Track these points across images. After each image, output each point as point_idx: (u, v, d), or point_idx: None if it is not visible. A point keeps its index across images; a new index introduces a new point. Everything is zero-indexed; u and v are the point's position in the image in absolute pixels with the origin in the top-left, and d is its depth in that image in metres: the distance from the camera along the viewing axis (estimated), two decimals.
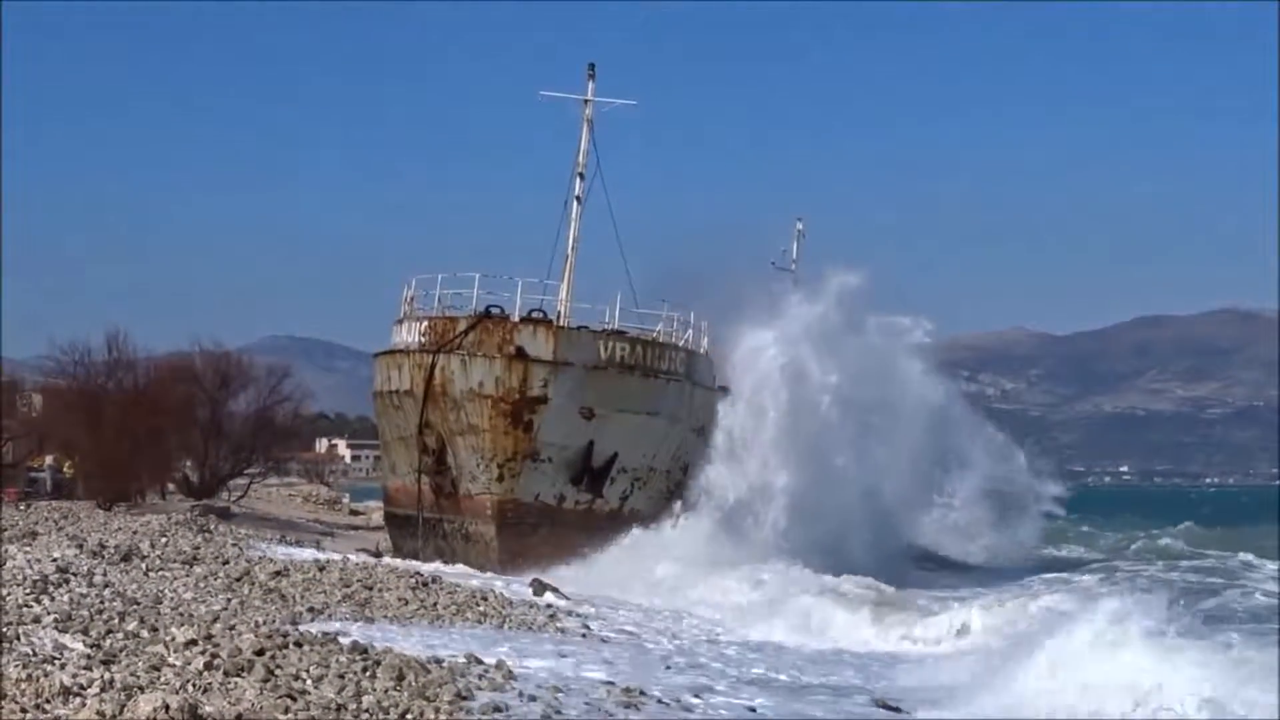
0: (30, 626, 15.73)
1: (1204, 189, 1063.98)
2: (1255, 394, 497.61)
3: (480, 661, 17.44)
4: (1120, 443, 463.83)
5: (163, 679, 13.96)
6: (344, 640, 17.42)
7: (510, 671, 17.01)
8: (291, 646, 16.35)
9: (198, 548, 29.32)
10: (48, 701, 12.42)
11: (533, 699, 15.55)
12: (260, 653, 15.56)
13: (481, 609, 24.95)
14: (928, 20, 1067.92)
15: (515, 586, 30.28)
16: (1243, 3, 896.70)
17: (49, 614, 16.81)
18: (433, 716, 14.03)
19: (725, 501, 38.20)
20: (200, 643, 15.72)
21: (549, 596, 28.65)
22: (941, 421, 53.71)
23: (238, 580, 24.26)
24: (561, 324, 36.71)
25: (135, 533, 31.68)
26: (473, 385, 35.59)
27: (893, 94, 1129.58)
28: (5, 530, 28.92)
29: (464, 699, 14.93)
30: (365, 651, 16.72)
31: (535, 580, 30.81)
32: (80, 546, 26.30)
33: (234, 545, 32.32)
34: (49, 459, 55.93)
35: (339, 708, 13.80)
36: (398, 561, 34.49)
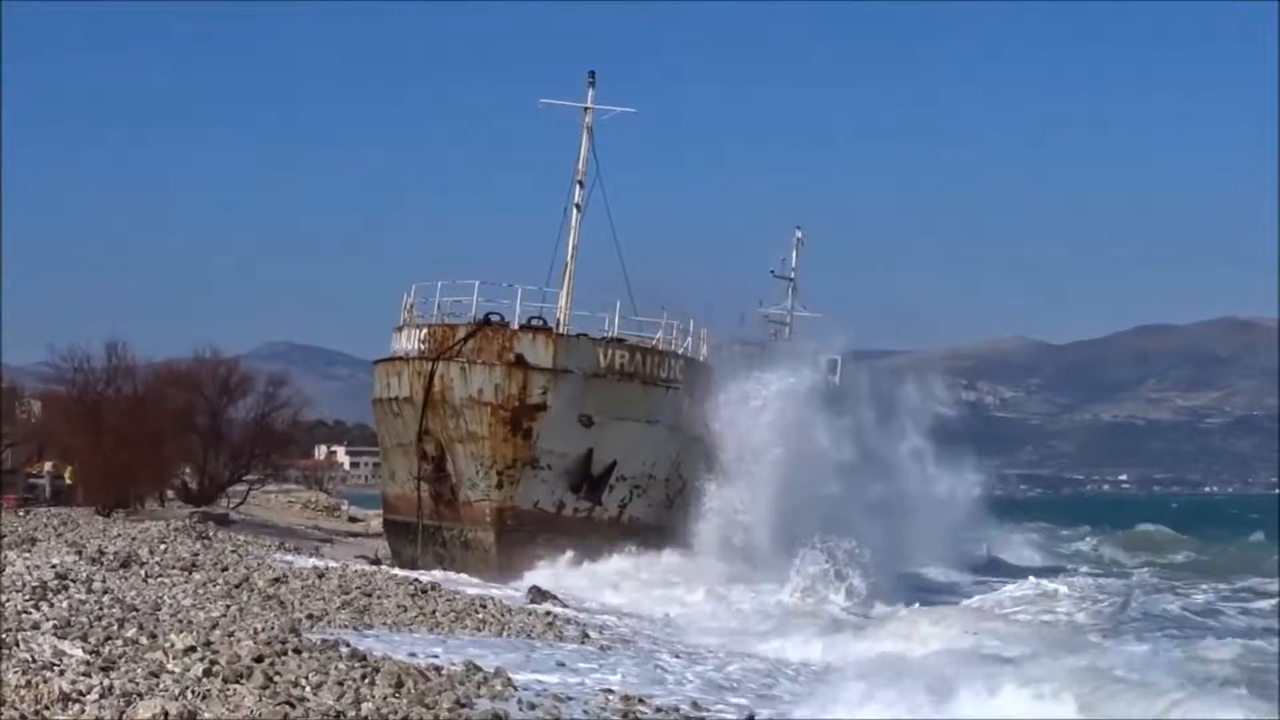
0: (29, 633, 15.71)
1: (1203, 197, 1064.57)
2: (1254, 403, 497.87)
3: (479, 669, 17.42)
4: (1120, 452, 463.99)
5: (161, 685, 13.95)
6: (343, 647, 17.41)
7: (509, 679, 16.98)
8: (290, 653, 16.33)
9: (197, 554, 29.30)
10: (47, 708, 12.42)
11: (532, 707, 15.53)
12: (259, 659, 15.55)
13: (480, 616, 24.93)
14: (927, 23, 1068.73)
15: (513, 593, 30.27)
16: (1242, 3, 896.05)
17: (48, 620, 16.80)
18: None
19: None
20: (199, 649, 15.71)
21: (548, 605, 28.62)
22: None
23: (237, 587, 24.25)
24: (561, 331, 36.74)
25: (134, 539, 31.68)
26: (472, 392, 35.62)
27: (892, 99, 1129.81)
28: (4, 536, 28.91)
29: (463, 706, 14.91)
30: (364, 658, 16.71)
31: (534, 588, 30.81)
32: (79, 553, 26.30)
33: (233, 552, 32.31)
34: (48, 465, 55.91)
35: (338, 715, 13.78)
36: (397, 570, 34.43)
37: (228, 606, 21.06)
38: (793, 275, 67.65)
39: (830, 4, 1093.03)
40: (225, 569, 27.13)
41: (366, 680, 15.49)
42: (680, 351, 38.86)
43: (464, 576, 34.74)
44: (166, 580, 24.23)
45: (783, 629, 27.73)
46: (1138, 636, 27.05)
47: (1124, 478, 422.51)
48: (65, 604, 18.64)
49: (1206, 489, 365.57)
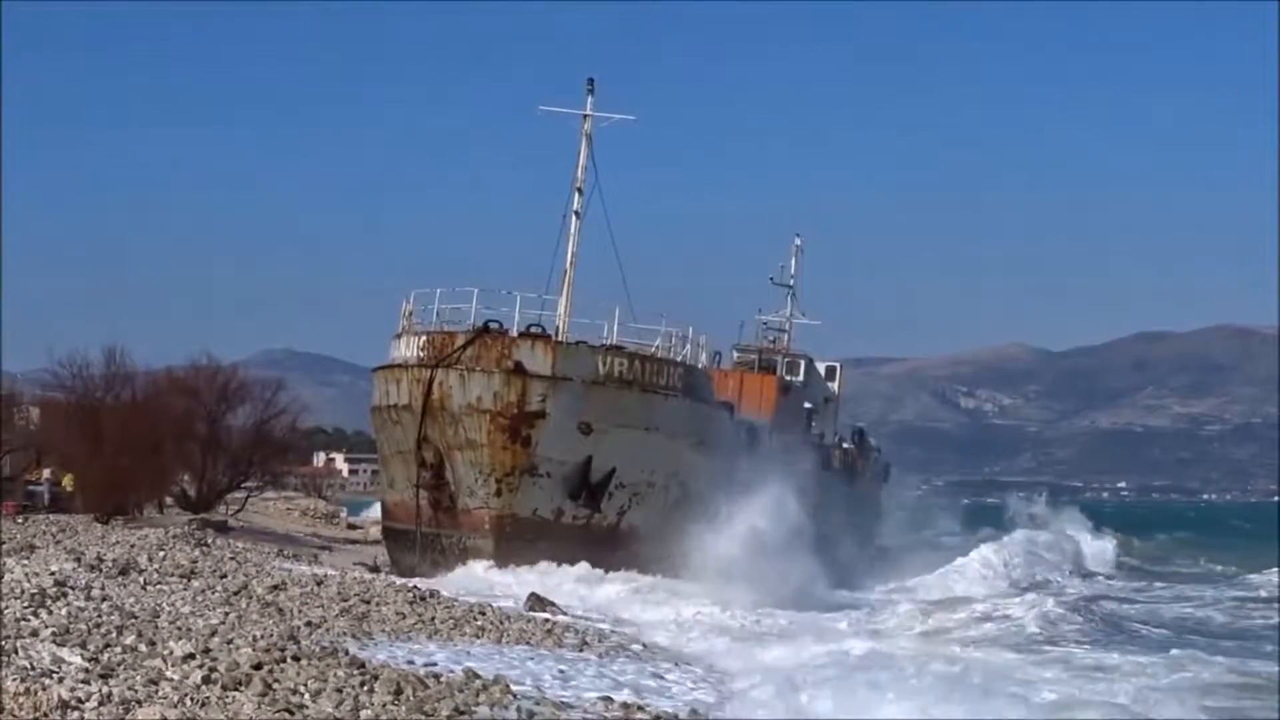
0: (28, 640, 15.71)
1: (1203, 203, 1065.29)
2: (1253, 410, 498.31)
3: (478, 676, 17.42)
4: (1118, 459, 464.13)
5: (160, 693, 13.96)
6: (342, 654, 17.41)
7: (508, 686, 16.98)
8: (289, 660, 16.34)
9: (195, 561, 29.27)
10: (46, 715, 12.44)
11: (531, 715, 15.54)
12: (258, 667, 15.56)
13: (479, 623, 24.92)
14: (926, 26, 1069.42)
15: (513, 596, 30.28)
16: (1241, 6, 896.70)
17: (47, 627, 16.80)
18: None
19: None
20: (198, 656, 15.71)
21: (546, 613, 28.60)
22: None
23: (235, 594, 24.23)
24: (560, 339, 36.74)
25: (133, 546, 31.64)
26: (471, 400, 35.63)
27: (890, 104, 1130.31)
28: (3, 543, 28.90)
29: (462, 714, 14.92)
30: (363, 666, 16.71)
31: (532, 595, 30.80)
32: (78, 560, 26.27)
33: (232, 559, 32.28)
34: (47, 472, 55.78)
35: None
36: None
37: (226, 614, 21.05)
38: (792, 282, 67.69)
39: (828, 6, 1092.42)
40: (224, 576, 27.12)
41: (365, 687, 15.50)
42: (679, 359, 38.82)
43: (463, 576, 34.91)
44: (165, 587, 24.22)
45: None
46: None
47: (1123, 485, 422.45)
48: (64, 611, 18.63)
49: (1205, 497, 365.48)
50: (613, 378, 36.51)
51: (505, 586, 33.09)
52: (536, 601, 29.91)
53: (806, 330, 68.74)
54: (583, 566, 35.93)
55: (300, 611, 23.17)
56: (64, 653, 15.12)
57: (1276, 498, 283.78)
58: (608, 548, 37.24)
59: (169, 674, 14.79)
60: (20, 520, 40.73)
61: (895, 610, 35.35)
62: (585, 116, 41.26)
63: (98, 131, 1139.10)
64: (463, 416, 35.75)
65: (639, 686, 19.25)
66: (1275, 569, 51.77)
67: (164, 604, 21.58)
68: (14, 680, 13.14)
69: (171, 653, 15.79)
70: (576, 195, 40.82)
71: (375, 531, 63.78)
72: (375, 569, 41.06)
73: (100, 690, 13.53)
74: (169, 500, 55.34)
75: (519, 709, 15.73)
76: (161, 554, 29.83)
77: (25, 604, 18.72)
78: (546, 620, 27.09)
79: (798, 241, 68.88)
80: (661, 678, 20.65)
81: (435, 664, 18.33)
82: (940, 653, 25.00)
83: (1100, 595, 45.54)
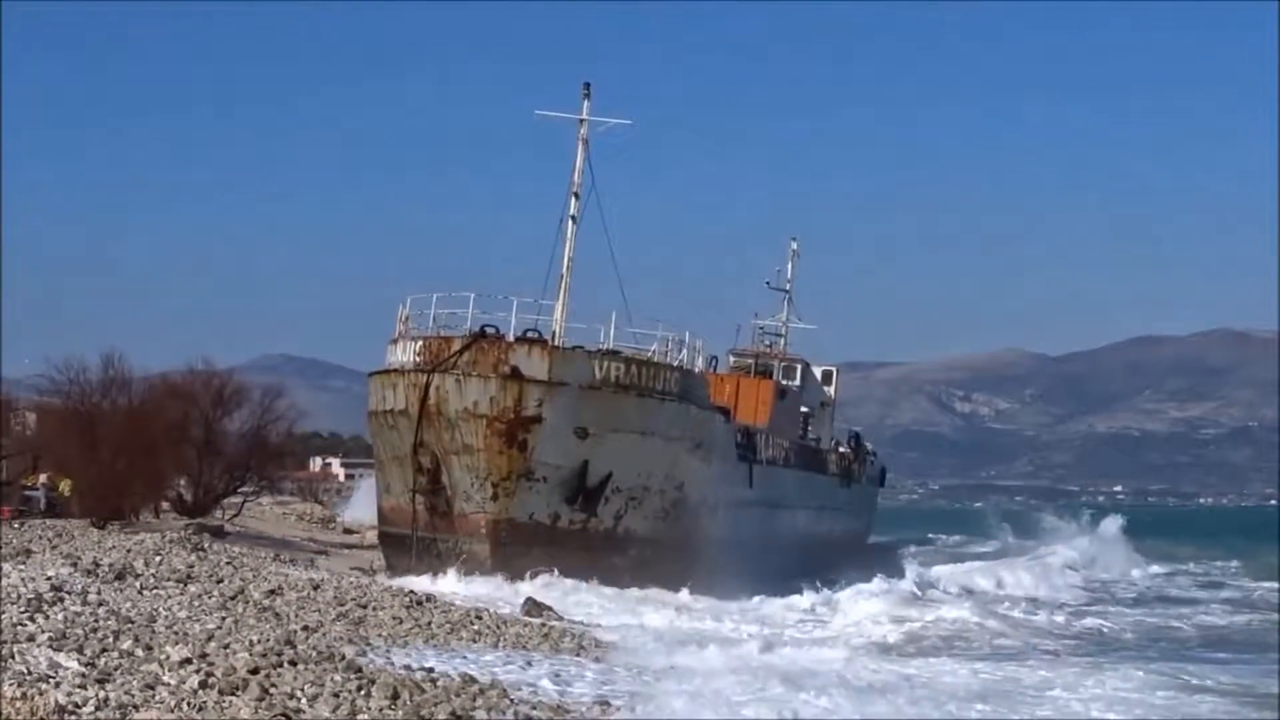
0: (25, 645, 15.72)
1: (1198, 208, 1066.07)
2: (1249, 414, 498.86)
3: (475, 680, 17.44)
4: (1115, 463, 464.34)
5: (157, 698, 13.97)
6: (338, 659, 17.43)
7: (505, 691, 17.01)
8: (286, 665, 16.35)
9: (192, 566, 29.27)
10: None
11: (528, 719, 15.56)
12: (255, 671, 15.57)
13: (476, 628, 24.94)
14: (922, 29, 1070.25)
15: (510, 597, 30.28)
16: (1240, 3, 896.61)
17: (44, 632, 16.80)
18: None
19: None
20: (195, 661, 15.72)
21: (543, 617, 28.62)
22: None
23: (232, 599, 24.24)
24: (556, 344, 36.74)
25: (129, 551, 31.62)
26: (467, 405, 35.64)
27: (889, 106, 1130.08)
28: (0, 549, 28.89)
29: (459, 718, 14.94)
30: (360, 670, 16.72)
31: (529, 600, 30.82)
32: (75, 565, 26.26)
33: (228, 563, 32.26)
34: (43, 477, 55.72)
35: None
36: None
37: (223, 618, 21.06)
38: (788, 287, 67.84)
39: (825, 10, 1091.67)
40: (220, 581, 27.13)
41: (362, 692, 15.51)
42: (676, 363, 38.83)
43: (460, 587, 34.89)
44: (162, 592, 24.22)
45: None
46: None
47: (1119, 489, 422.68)
48: (61, 616, 18.64)
49: (1201, 500, 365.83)
50: (609, 382, 36.53)
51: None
52: (533, 606, 29.93)
53: (803, 334, 69.02)
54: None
55: (297, 616, 23.18)
56: (61, 658, 15.13)
57: (1274, 501, 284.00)
58: (605, 552, 37.27)
59: (166, 679, 14.80)
60: (16, 525, 40.70)
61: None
62: (582, 121, 41.31)
63: (95, 136, 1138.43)
64: (459, 421, 35.77)
65: (636, 691, 19.25)
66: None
67: (161, 609, 21.59)
68: (11, 685, 13.15)
69: (168, 657, 15.80)
70: (573, 200, 40.88)
71: (371, 536, 63.97)
72: (371, 573, 41.15)
73: (97, 695, 13.54)
74: (165, 505, 55.26)
75: (516, 713, 15.75)
76: (158, 559, 29.83)
77: (22, 609, 18.72)
78: (543, 625, 27.12)
79: (794, 246, 69.13)
80: (660, 683, 20.61)
81: (432, 668, 18.33)
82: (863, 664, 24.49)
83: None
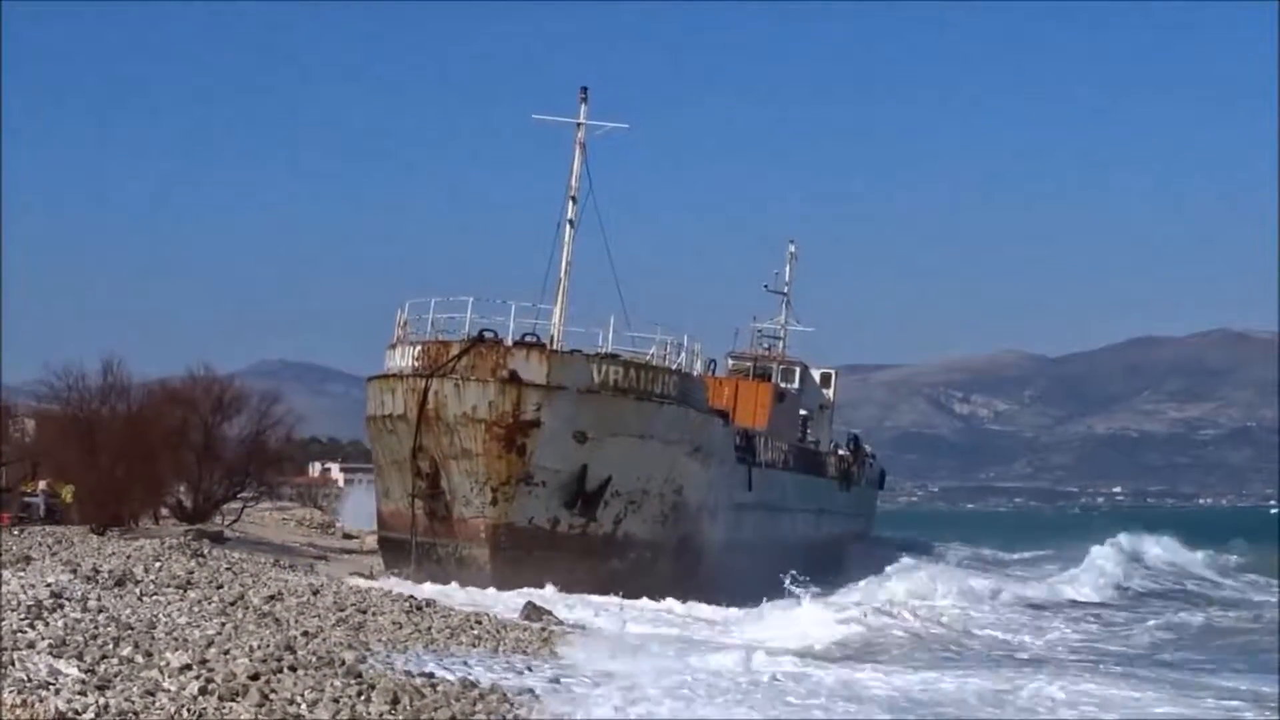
0: (25, 652, 15.73)
1: (1196, 209, 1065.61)
2: (1248, 415, 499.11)
3: (475, 685, 17.45)
4: (1114, 464, 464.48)
5: (157, 704, 13.99)
6: (338, 664, 17.43)
7: (506, 695, 17.02)
8: (286, 671, 16.36)
9: (191, 572, 29.24)
10: None
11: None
12: (255, 677, 15.58)
13: (476, 632, 24.94)
14: (921, 33, 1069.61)
15: (509, 604, 30.26)
16: (1239, 4, 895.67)
17: (43, 639, 16.80)
18: None
19: None
20: (195, 667, 15.73)
21: (543, 620, 28.61)
22: None
23: (232, 605, 24.22)
24: (554, 348, 36.75)
25: (129, 557, 31.58)
26: (466, 409, 35.64)
27: (888, 109, 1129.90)
28: None
29: None
30: (360, 675, 16.73)
31: (529, 604, 30.82)
32: (74, 571, 26.25)
33: (228, 569, 32.25)
34: (42, 484, 55.73)
35: None
36: (392, 583, 34.46)
37: (223, 624, 21.05)
38: (786, 289, 67.89)
39: (824, 13, 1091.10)
40: (220, 586, 27.12)
41: (362, 697, 15.52)
42: (674, 367, 38.84)
43: (461, 592, 34.95)
44: (161, 598, 24.22)
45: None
46: None
47: (1118, 490, 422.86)
48: (61, 623, 18.64)
49: (1200, 501, 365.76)
50: (608, 386, 36.53)
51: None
52: (533, 610, 29.93)
53: (801, 337, 69.11)
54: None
55: (297, 621, 23.17)
56: (61, 664, 15.14)
57: (1273, 502, 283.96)
58: (604, 556, 37.30)
59: (166, 685, 14.81)
60: (16, 532, 40.70)
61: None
62: (579, 125, 41.34)
63: (93, 141, 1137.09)
64: (458, 426, 35.77)
65: (638, 697, 19.24)
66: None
67: (160, 615, 21.58)
68: (11, 692, 13.16)
69: (168, 664, 15.81)
70: (571, 204, 40.92)
71: (371, 541, 63.96)
72: (371, 578, 41.15)
73: (97, 702, 13.56)
74: (165, 511, 55.27)
75: (516, 718, 15.76)
76: (158, 565, 29.78)
77: (22, 616, 18.71)
78: (544, 629, 27.11)
79: (792, 249, 69.17)
80: (662, 689, 20.60)
81: (432, 673, 18.34)
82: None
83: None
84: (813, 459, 59.82)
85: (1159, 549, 70.90)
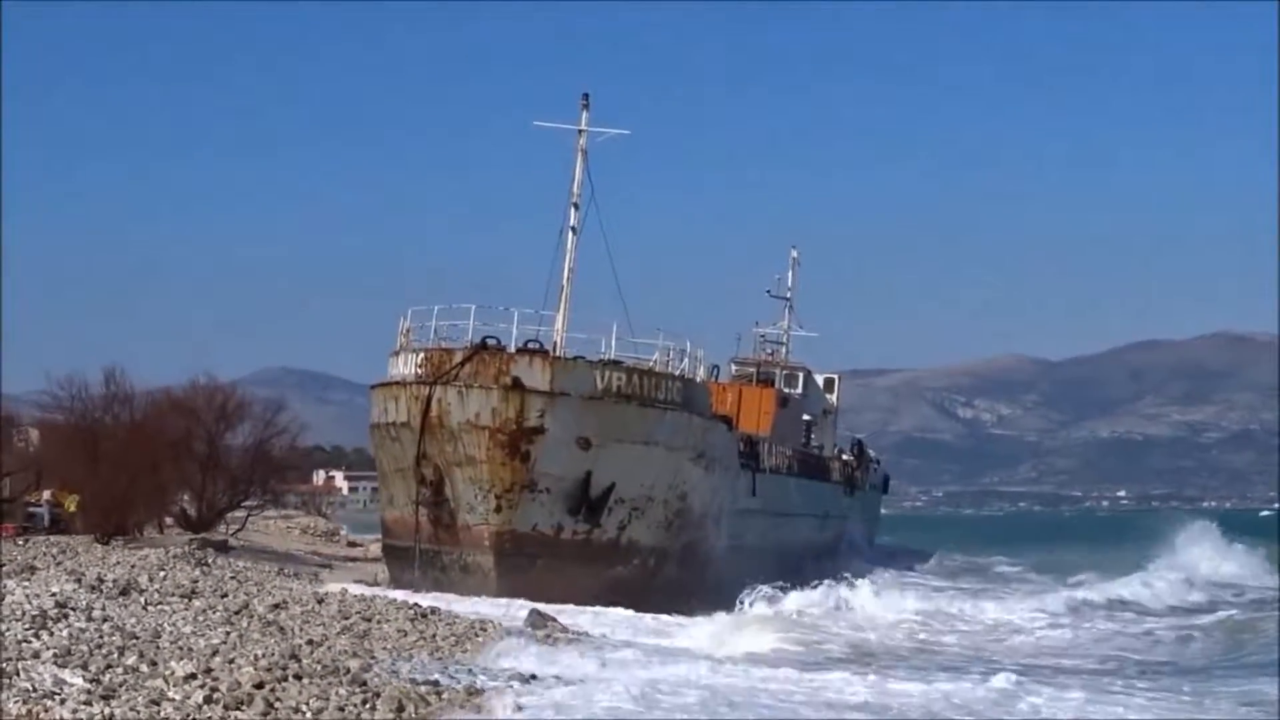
0: (30, 662, 15.72)
1: (1197, 211, 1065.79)
2: (1251, 417, 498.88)
3: (480, 692, 17.42)
4: (1117, 468, 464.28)
5: (162, 713, 13.98)
6: (343, 672, 17.41)
7: (513, 703, 16.98)
8: (291, 679, 16.34)
9: (196, 581, 29.26)
10: None
11: None
12: (260, 686, 15.57)
13: (480, 640, 24.91)
14: (924, 40, 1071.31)
15: (515, 615, 30.20)
16: (1239, 5, 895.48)
17: (48, 649, 16.80)
18: None
19: None
20: (200, 676, 15.72)
21: (548, 628, 28.56)
22: None
23: (236, 614, 24.22)
24: (557, 354, 36.72)
25: (133, 567, 31.63)
26: (469, 417, 35.60)
27: (888, 114, 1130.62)
28: (4, 565, 28.90)
29: None
30: (365, 684, 16.71)
31: (534, 611, 30.78)
32: (79, 581, 26.25)
33: (232, 578, 32.28)
34: (47, 494, 55.73)
35: None
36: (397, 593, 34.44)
37: (228, 633, 21.05)
38: (789, 295, 67.89)
39: (825, 19, 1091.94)
40: (225, 595, 27.12)
41: (368, 705, 15.50)
42: (677, 373, 38.82)
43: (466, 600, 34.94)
44: (166, 607, 24.21)
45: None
46: None
47: (1122, 494, 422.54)
48: (65, 632, 18.63)
49: (1205, 504, 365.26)
50: (611, 392, 36.48)
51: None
52: (538, 618, 29.89)
53: (804, 342, 69.11)
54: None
55: (301, 630, 23.16)
56: (66, 674, 15.13)
57: (1277, 505, 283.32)
58: (608, 562, 37.26)
59: (171, 694, 14.80)
60: (21, 542, 40.71)
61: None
62: (580, 132, 41.34)
63: (93, 146, 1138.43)
64: (461, 433, 35.73)
65: (643, 706, 19.21)
66: None
67: (165, 624, 21.57)
68: (16, 703, 13.15)
69: (173, 673, 15.80)
70: (573, 210, 40.91)
71: (375, 549, 63.80)
72: (375, 585, 41.12)
73: (102, 711, 13.55)
74: (169, 520, 55.31)
75: None
76: (162, 574, 29.83)
77: (26, 626, 18.72)
78: (549, 636, 27.07)
79: (794, 254, 69.21)
80: (668, 698, 20.55)
81: (437, 680, 18.31)
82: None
83: None
84: (816, 464, 59.82)
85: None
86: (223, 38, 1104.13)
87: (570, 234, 40.82)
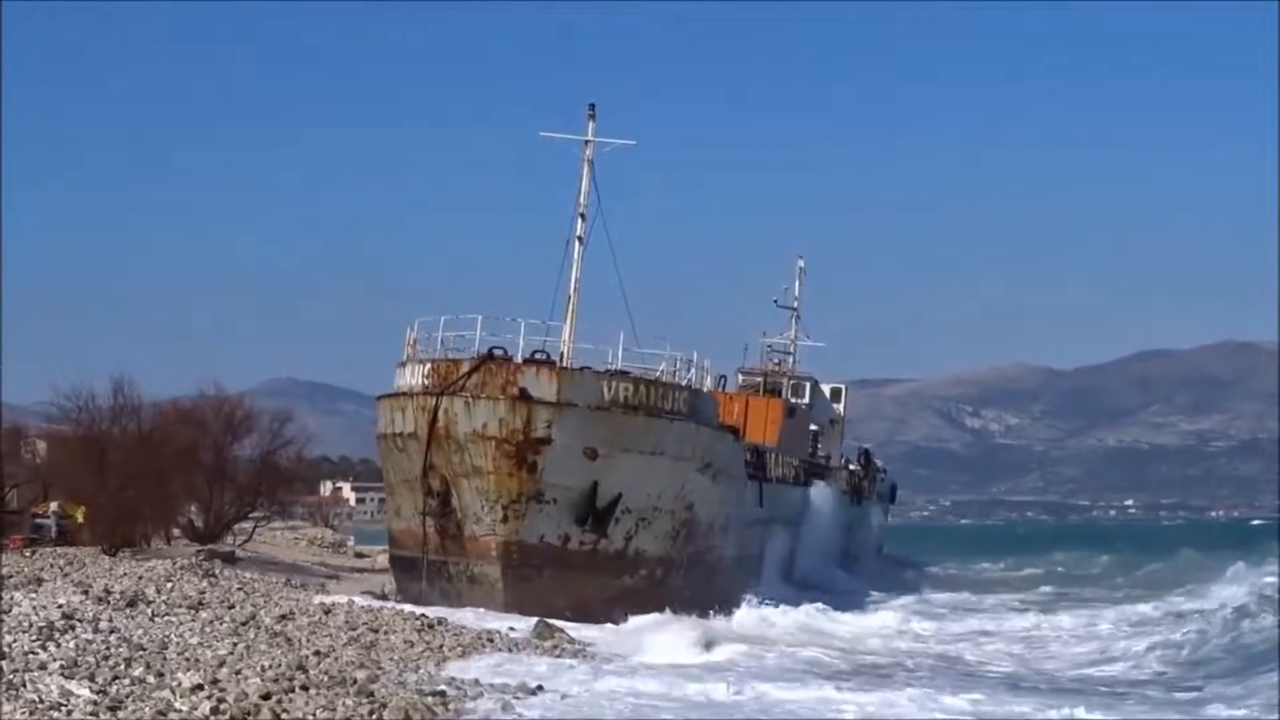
0: (36, 673, 15.71)
1: (1202, 220, 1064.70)
2: (1258, 426, 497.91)
3: (483, 702, 17.38)
4: (1125, 477, 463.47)
5: None
6: (350, 683, 17.38)
7: (521, 715, 16.96)
8: (298, 690, 16.32)
9: (203, 592, 29.26)
10: None
11: None
12: (267, 697, 15.55)
13: (487, 650, 24.89)
14: (928, 49, 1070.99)
15: (521, 627, 30.15)
16: (1241, 12, 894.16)
17: (55, 660, 16.79)
18: None
19: None
20: (206, 687, 15.70)
21: (555, 639, 28.52)
22: None
23: (244, 625, 24.21)
24: (564, 365, 36.69)
25: (140, 578, 31.61)
26: (476, 427, 35.57)
27: (892, 127, 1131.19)
28: (11, 577, 28.90)
29: None
30: (372, 695, 16.68)
31: (541, 622, 30.76)
32: (85, 593, 26.25)
33: (239, 589, 32.26)
34: (54, 505, 55.60)
35: None
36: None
37: (235, 644, 21.03)
38: (795, 304, 67.87)
39: (830, 23, 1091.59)
40: (232, 606, 27.13)
41: (374, 716, 15.48)
42: (684, 383, 38.81)
43: (475, 612, 34.94)
44: (173, 619, 24.21)
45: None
46: None
47: (1130, 503, 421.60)
48: (72, 644, 18.62)
49: (1212, 513, 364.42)
50: (618, 403, 36.43)
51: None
52: (545, 629, 29.87)
53: (811, 352, 69.05)
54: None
55: (308, 641, 23.14)
56: (72, 685, 15.12)
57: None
58: (615, 573, 37.25)
59: (178, 705, 14.78)
60: (28, 554, 40.75)
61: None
62: (586, 142, 41.28)
63: (95, 155, 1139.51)
64: (468, 444, 35.71)
65: (646, 710, 19.19)
66: None
67: (172, 635, 21.57)
68: (23, 714, 13.14)
69: (180, 684, 15.78)
70: (579, 221, 40.83)
71: (382, 560, 63.55)
72: (383, 597, 40.99)
73: None
74: (176, 531, 55.28)
75: None
76: (169, 585, 29.85)
77: (33, 637, 18.71)
78: (556, 648, 27.06)
79: (800, 264, 69.20)
80: (675, 709, 20.54)
81: (444, 691, 18.29)
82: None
83: None
84: (823, 474, 59.76)
85: None
86: (227, 42, 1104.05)
87: (576, 244, 40.74)
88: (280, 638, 23.07)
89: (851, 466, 68.77)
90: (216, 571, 36.59)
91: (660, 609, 36.13)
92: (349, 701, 16.01)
